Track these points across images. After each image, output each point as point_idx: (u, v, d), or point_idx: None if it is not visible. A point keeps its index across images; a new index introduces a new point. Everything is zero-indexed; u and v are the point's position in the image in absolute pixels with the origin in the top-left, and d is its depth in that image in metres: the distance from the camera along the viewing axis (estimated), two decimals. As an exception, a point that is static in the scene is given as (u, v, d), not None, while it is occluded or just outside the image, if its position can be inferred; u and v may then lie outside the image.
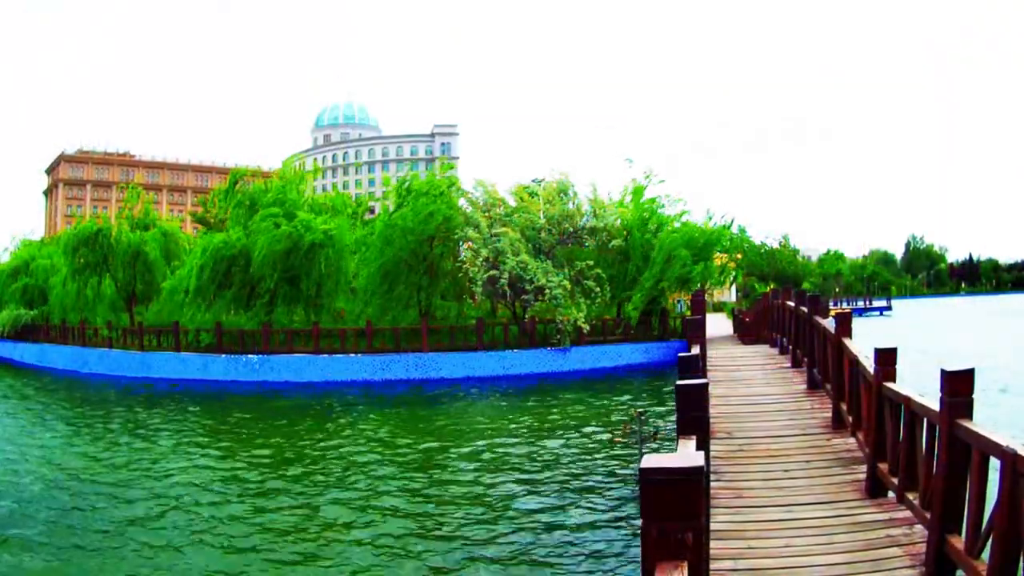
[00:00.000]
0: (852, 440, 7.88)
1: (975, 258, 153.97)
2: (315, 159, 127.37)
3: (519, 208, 30.59)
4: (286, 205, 30.45)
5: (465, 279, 29.80)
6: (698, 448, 4.21)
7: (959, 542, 4.47)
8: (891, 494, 6.14)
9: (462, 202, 31.44)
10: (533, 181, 34.46)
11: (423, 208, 28.90)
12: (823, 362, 10.41)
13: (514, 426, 17.95)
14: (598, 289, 28.69)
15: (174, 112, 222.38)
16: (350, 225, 33.23)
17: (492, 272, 27.97)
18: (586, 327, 27.87)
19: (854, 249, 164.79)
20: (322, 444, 16.48)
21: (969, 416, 4.58)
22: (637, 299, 29.21)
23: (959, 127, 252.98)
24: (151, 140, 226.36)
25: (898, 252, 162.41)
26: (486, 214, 29.97)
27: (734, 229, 37.37)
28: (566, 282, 28.08)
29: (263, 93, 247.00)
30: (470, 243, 29.43)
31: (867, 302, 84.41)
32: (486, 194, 30.96)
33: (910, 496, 5.55)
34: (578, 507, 10.81)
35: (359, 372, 27.24)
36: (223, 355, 28.73)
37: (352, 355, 27.71)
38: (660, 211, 31.26)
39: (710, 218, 31.61)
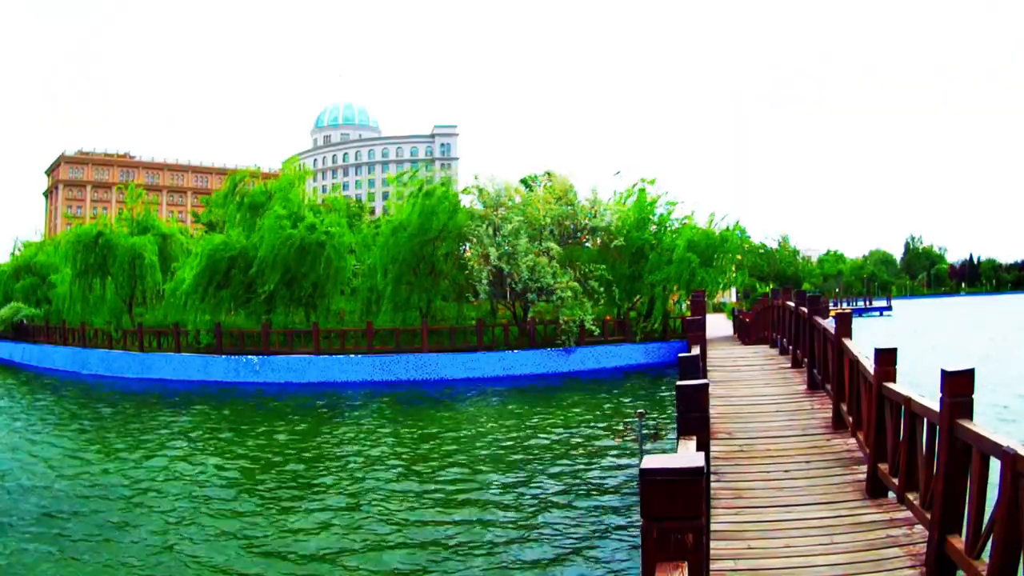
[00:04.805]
0: (852, 440, 7.88)
1: (975, 258, 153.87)
2: (315, 160, 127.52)
3: (526, 203, 30.47)
4: (290, 207, 30.57)
5: (466, 279, 29.81)
6: (698, 448, 4.22)
7: (959, 542, 4.48)
8: (891, 494, 6.14)
9: (466, 201, 31.41)
10: (542, 175, 34.47)
11: (427, 210, 28.93)
12: (823, 362, 10.41)
13: (514, 426, 17.95)
14: (602, 290, 28.75)
15: (174, 113, 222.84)
16: (349, 226, 33.30)
17: (498, 265, 27.93)
18: (594, 328, 27.94)
19: (854, 249, 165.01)
20: (322, 445, 16.47)
21: (969, 416, 4.59)
22: (641, 303, 29.35)
23: (959, 127, 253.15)
24: (151, 141, 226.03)
25: (898, 252, 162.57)
26: (495, 211, 29.92)
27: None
28: (573, 283, 28.15)
29: (263, 94, 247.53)
30: (473, 242, 29.35)
31: (867, 302, 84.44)
32: (496, 191, 30.78)
33: (910, 496, 5.56)
34: (578, 507, 10.80)
35: (359, 373, 27.24)
36: (223, 356, 28.73)
37: (352, 356, 27.72)
38: (659, 211, 31.32)
39: (712, 219, 31.56)
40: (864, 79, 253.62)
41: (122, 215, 40.30)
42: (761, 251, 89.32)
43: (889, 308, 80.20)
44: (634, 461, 13.09)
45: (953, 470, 4.64)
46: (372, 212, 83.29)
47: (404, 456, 15.01)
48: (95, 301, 34.45)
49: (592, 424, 17.76)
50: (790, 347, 14.39)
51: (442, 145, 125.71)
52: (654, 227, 31.16)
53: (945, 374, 4.72)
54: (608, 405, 20.62)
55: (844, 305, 70.12)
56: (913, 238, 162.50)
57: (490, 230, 29.12)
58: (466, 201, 31.45)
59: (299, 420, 19.85)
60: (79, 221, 71.98)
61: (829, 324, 10.03)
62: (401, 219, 29.91)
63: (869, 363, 6.99)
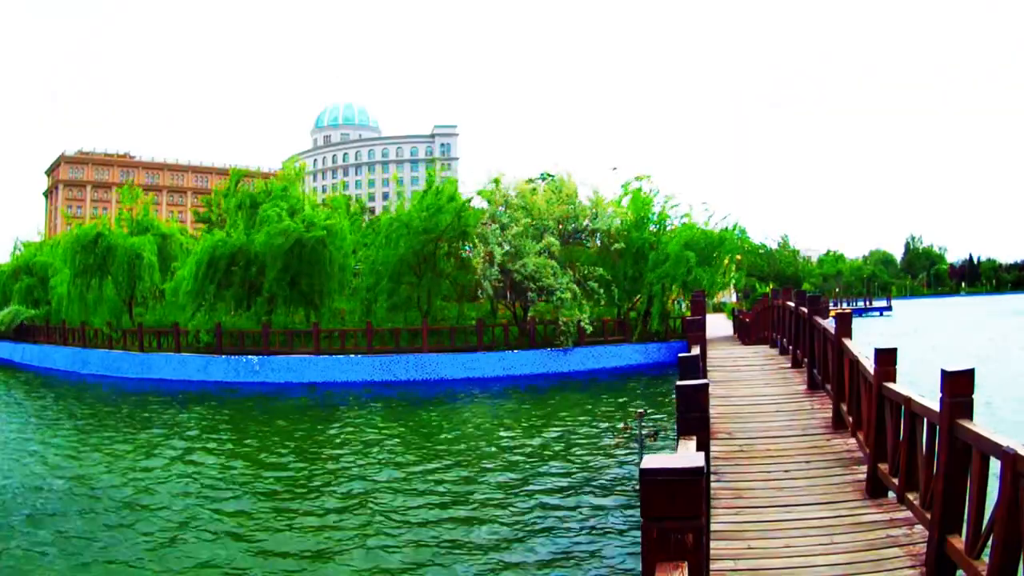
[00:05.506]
0: (852, 440, 7.88)
1: (975, 258, 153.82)
2: (315, 160, 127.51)
3: (530, 204, 30.46)
4: (289, 200, 30.56)
5: (467, 278, 29.77)
6: (698, 448, 4.21)
7: (959, 542, 4.48)
8: (891, 494, 6.14)
9: (476, 201, 31.38)
10: (541, 177, 34.43)
11: (433, 208, 28.88)
12: (823, 362, 10.41)
13: (514, 426, 17.95)
14: (601, 291, 28.76)
15: (174, 113, 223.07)
16: (349, 225, 33.28)
17: (504, 265, 27.92)
18: (587, 327, 28.03)
19: (854, 249, 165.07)
20: (322, 445, 16.47)
21: (969, 416, 4.58)
22: (641, 303, 29.31)
23: (959, 127, 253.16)
24: (151, 141, 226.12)
25: (898, 252, 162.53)
26: (505, 210, 29.92)
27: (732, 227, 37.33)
28: (573, 284, 28.17)
29: (263, 94, 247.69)
30: (477, 242, 29.31)
31: (867, 302, 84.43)
32: (504, 193, 30.75)
33: (910, 496, 5.55)
34: (578, 507, 10.80)
35: (359, 373, 27.22)
36: (223, 356, 28.72)
37: (352, 356, 27.71)
38: (656, 208, 31.33)
39: (710, 217, 31.58)
40: (864, 79, 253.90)
41: (121, 215, 40.24)
42: (761, 251, 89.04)
43: (889, 308, 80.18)
44: (634, 461, 13.09)
45: (953, 470, 4.63)
46: (372, 212, 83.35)
47: (403, 456, 14.99)
48: (94, 301, 34.44)
49: (592, 424, 17.75)
50: (790, 347, 14.38)
51: (442, 145, 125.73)
52: (653, 227, 31.16)
53: (945, 374, 4.72)
54: (608, 405, 20.62)
55: (844, 305, 70.14)
56: (913, 238, 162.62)
57: (498, 229, 29.09)
58: (478, 200, 31.40)
59: (298, 420, 19.84)
60: (79, 221, 71.79)
61: (829, 324, 10.02)
62: (401, 216, 29.82)
63: (869, 363, 6.98)
